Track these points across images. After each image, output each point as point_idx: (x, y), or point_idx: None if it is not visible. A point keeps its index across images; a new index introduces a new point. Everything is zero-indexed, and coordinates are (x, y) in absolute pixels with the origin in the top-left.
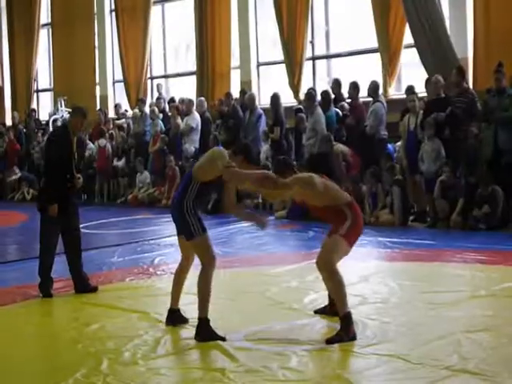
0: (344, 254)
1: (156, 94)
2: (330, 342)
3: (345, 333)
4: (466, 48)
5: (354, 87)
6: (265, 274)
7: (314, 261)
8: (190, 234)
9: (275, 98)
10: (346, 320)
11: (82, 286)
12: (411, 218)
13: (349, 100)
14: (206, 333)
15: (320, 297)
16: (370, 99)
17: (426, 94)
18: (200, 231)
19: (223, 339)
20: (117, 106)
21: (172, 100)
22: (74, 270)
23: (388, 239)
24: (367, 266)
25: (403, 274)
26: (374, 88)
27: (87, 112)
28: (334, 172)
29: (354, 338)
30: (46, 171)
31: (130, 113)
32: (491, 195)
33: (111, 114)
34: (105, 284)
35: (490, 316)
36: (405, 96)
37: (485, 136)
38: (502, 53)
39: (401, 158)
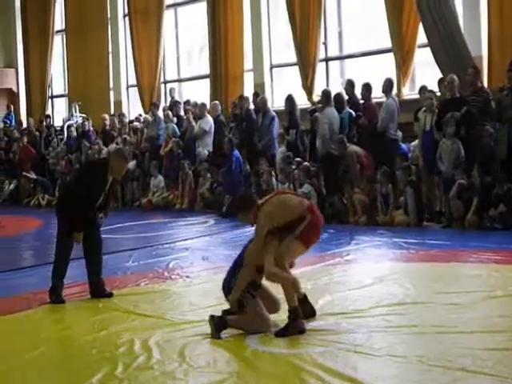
0: (299, 254)
1: (169, 98)
2: (278, 335)
3: (293, 326)
4: (481, 46)
5: (367, 88)
6: None
7: (329, 263)
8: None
9: (290, 100)
10: (294, 313)
11: (98, 291)
12: (426, 218)
13: (362, 101)
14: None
15: (335, 298)
16: (383, 100)
17: (439, 94)
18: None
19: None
20: (120, 116)
21: (187, 103)
22: (93, 275)
23: (403, 240)
24: (382, 267)
25: (418, 274)
26: (388, 85)
27: (129, 156)
28: (349, 173)
29: (302, 331)
30: (71, 198)
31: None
32: (507, 194)
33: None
34: (120, 288)
35: (507, 316)
36: (418, 96)
37: (499, 135)
38: None
39: (416, 158)
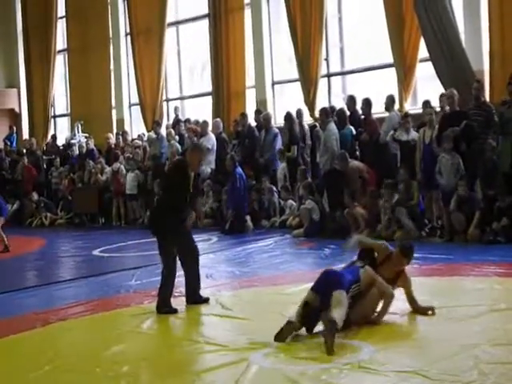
0: None
1: (172, 116)
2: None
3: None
4: (482, 60)
5: (367, 103)
6: (283, 293)
7: None
8: None
9: (289, 117)
10: None
11: (194, 298)
12: (424, 232)
13: (362, 116)
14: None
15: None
16: (384, 115)
17: (441, 108)
18: None
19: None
20: (123, 134)
21: (188, 121)
22: (192, 282)
23: None
24: None
25: (421, 288)
26: (390, 102)
27: (205, 148)
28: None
29: None
30: (166, 203)
31: (146, 135)
32: (509, 207)
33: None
34: (123, 307)
35: (510, 330)
36: (421, 110)
37: (502, 148)
38: None
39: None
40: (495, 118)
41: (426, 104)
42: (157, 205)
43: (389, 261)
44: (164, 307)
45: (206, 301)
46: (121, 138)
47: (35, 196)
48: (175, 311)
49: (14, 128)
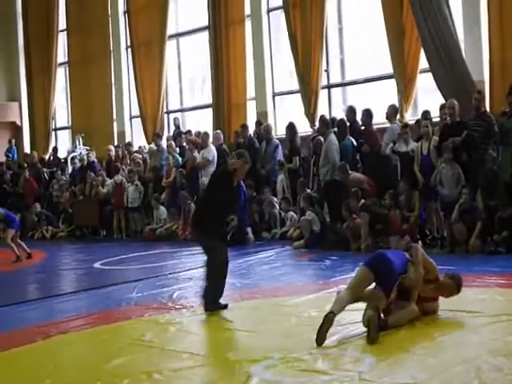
0: None
1: (173, 128)
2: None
3: None
4: (482, 71)
5: (367, 114)
6: (284, 305)
7: (332, 290)
8: None
9: (291, 128)
10: None
11: (214, 305)
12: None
13: (362, 127)
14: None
15: (339, 326)
16: (385, 126)
17: (441, 119)
18: None
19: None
20: (127, 145)
21: (188, 132)
22: (215, 290)
23: None
24: None
25: None
26: (392, 111)
27: (249, 158)
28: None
29: None
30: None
31: (147, 147)
32: (510, 218)
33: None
34: (124, 320)
35: (511, 341)
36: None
37: (502, 159)
38: None
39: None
40: (495, 128)
41: (426, 114)
42: (203, 214)
43: (436, 284)
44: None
45: (225, 307)
46: (122, 149)
47: (38, 207)
48: (226, 306)
49: (14, 141)
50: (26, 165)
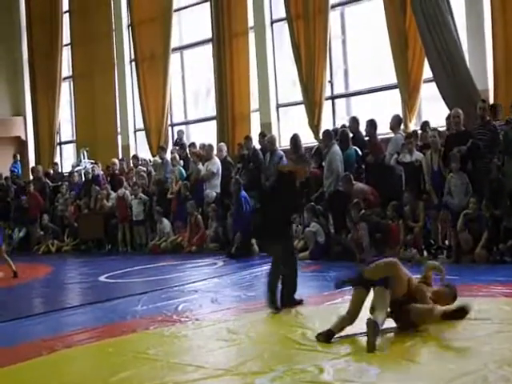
0: None
1: (177, 140)
2: None
3: None
4: (486, 80)
5: (371, 125)
6: (289, 316)
7: (337, 301)
8: None
9: (295, 139)
10: None
11: (289, 300)
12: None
13: (366, 138)
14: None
15: (344, 337)
16: (389, 136)
17: (445, 128)
18: None
19: None
20: (133, 158)
21: (192, 145)
22: (289, 284)
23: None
24: None
25: None
26: (396, 121)
27: (310, 161)
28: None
29: None
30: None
31: (152, 160)
32: None
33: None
34: (129, 333)
35: None
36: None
37: (507, 168)
38: None
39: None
40: (500, 137)
41: (425, 124)
42: (271, 221)
43: (433, 293)
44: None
45: (300, 302)
46: (127, 163)
47: (46, 219)
48: (301, 301)
49: (18, 156)
50: (31, 178)
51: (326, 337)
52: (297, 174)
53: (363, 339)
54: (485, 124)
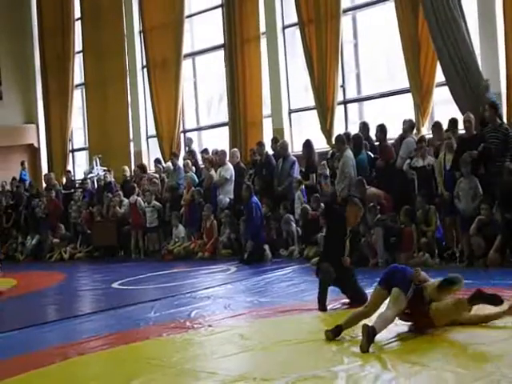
0: None
1: (188, 148)
2: None
3: None
4: (499, 83)
5: (381, 130)
6: (302, 322)
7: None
8: None
9: (307, 145)
10: None
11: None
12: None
13: (377, 143)
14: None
15: (355, 340)
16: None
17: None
18: None
19: None
20: (156, 162)
21: (205, 151)
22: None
23: None
24: None
25: None
26: (409, 127)
27: (362, 206)
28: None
29: None
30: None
31: (166, 166)
32: None
33: (150, 168)
34: (142, 340)
35: None
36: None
37: None
38: None
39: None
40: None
41: (435, 126)
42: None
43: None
44: None
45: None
46: (136, 171)
47: (63, 229)
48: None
49: (26, 163)
50: (46, 186)
51: (335, 333)
52: (348, 218)
53: (377, 344)
54: (496, 127)
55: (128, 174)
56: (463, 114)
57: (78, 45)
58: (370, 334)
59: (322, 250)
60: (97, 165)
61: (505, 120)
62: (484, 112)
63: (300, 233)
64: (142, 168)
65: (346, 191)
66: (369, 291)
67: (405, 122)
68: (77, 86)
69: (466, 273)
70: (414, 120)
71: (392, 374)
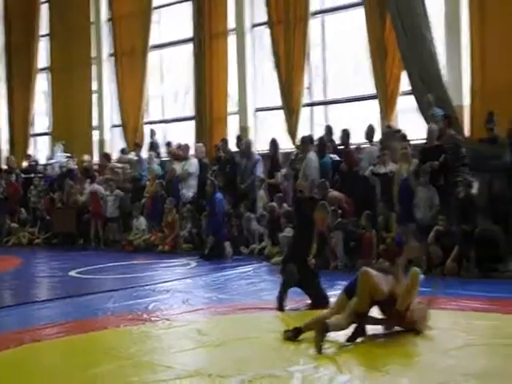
0: None
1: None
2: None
3: None
4: (462, 97)
5: (346, 134)
6: (260, 321)
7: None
8: None
9: (273, 144)
10: None
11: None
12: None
13: (341, 146)
14: None
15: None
16: (364, 146)
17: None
18: None
19: None
20: (123, 151)
21: (168, 144)
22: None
23: None
24: None
25: None
26: (370, 132)
27: (330, 210)
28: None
29: None
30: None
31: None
32: (485, 241)
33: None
34: (100, 330)
35: (485, 365)
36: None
37: (479, 184)
38: (499, 103)
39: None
40: (463, 151)
41: (397, 133)
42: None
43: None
44: None
45: None
46: (100, 160)
47: (24, 212)
48: None
49: None
50: (6, 168)
51: (294, 334)
52: (316, 221)
53: (336, 346)
54: (449, 139)
55: (87, 162)
56: (428, 123)
57: (46, 28)
58: (321, 329)
59: (286, 249)
60: (59, 151)
61: (467, 133)
62: (437, 123)
63: (266, 230)
64: (106, 157)
65: (307, 192)
66: (329, 293)
67: (367, 127)
68: (41, 69)
69: (423, 281)
70: (380, 127)
71: (346, 376)
